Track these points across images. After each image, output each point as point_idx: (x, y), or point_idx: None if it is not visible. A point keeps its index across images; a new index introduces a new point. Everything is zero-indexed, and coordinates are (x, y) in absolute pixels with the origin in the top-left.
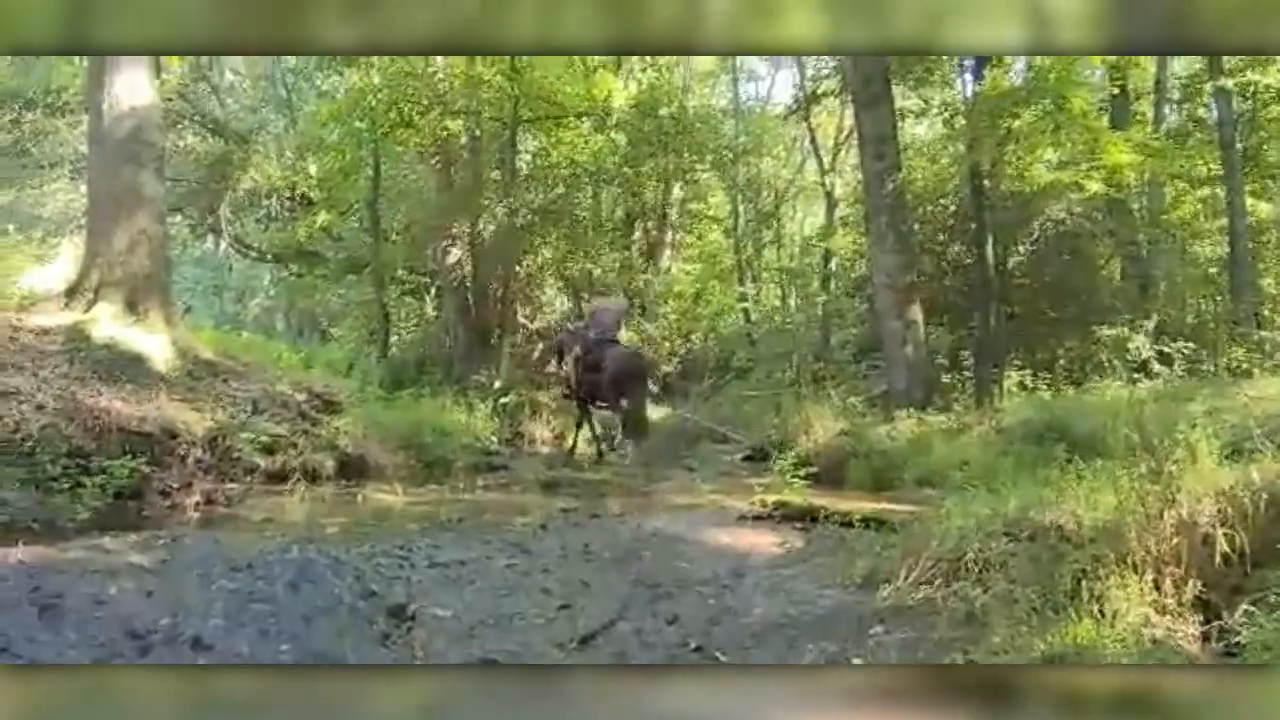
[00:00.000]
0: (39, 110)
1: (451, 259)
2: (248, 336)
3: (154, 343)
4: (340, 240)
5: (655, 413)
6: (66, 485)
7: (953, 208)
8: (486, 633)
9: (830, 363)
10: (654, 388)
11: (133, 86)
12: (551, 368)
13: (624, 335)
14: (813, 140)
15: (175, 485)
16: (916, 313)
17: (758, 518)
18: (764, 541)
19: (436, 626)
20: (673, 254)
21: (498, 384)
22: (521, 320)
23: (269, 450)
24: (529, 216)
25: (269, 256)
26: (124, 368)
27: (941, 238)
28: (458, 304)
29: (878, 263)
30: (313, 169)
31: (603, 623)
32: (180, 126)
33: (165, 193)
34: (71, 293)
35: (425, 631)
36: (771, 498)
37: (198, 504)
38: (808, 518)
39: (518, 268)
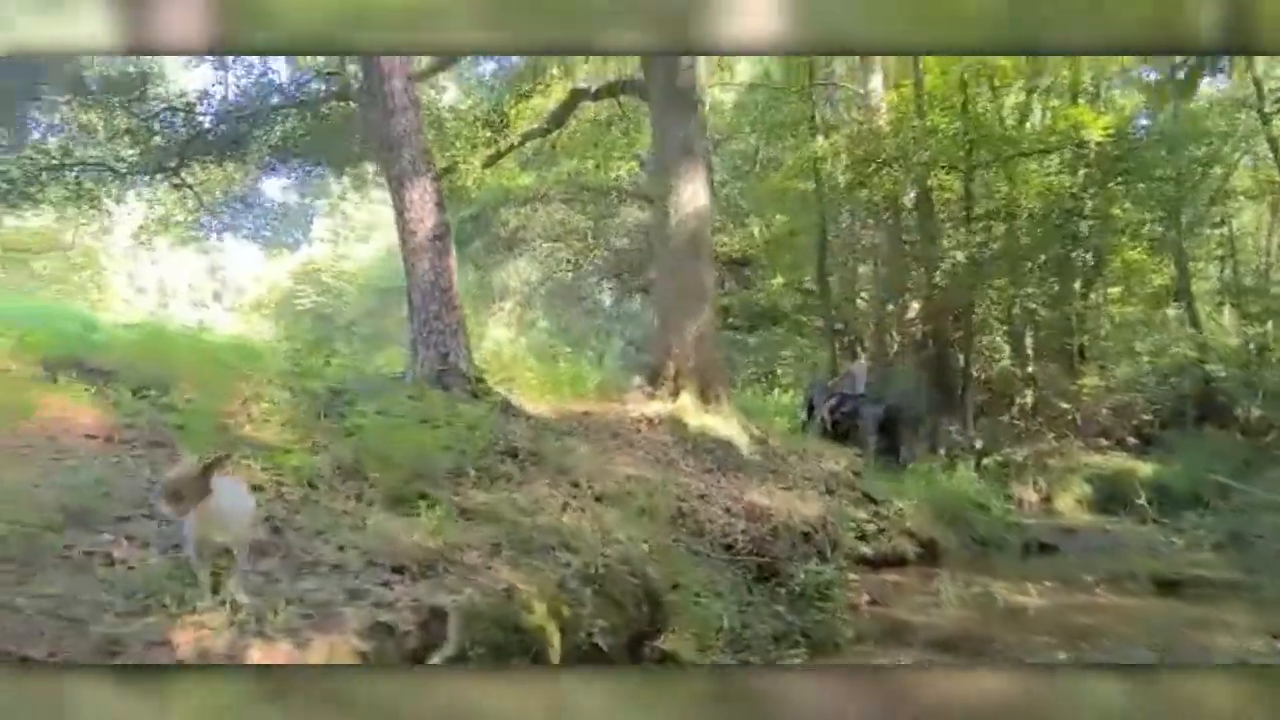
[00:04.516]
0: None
1: (911, 313)
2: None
3: (730, 427)
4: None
5: (1147, 467)
6: (765, 593)
7: None
8: None
9: None
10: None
11: (695, 193)
12: (803, 416)
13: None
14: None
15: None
16: None
17: None
18: None
19: None
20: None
21: (978, 443)
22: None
23: (862, 536)
24: (984, 262)
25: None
26: (725, 455)
27: None
28: (921, 359)
29: None
30: (755, 231)
31: None
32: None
33: (715, 283)
34: (653, 380)
35: None
36: None
37: (866, 603)
38: None
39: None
